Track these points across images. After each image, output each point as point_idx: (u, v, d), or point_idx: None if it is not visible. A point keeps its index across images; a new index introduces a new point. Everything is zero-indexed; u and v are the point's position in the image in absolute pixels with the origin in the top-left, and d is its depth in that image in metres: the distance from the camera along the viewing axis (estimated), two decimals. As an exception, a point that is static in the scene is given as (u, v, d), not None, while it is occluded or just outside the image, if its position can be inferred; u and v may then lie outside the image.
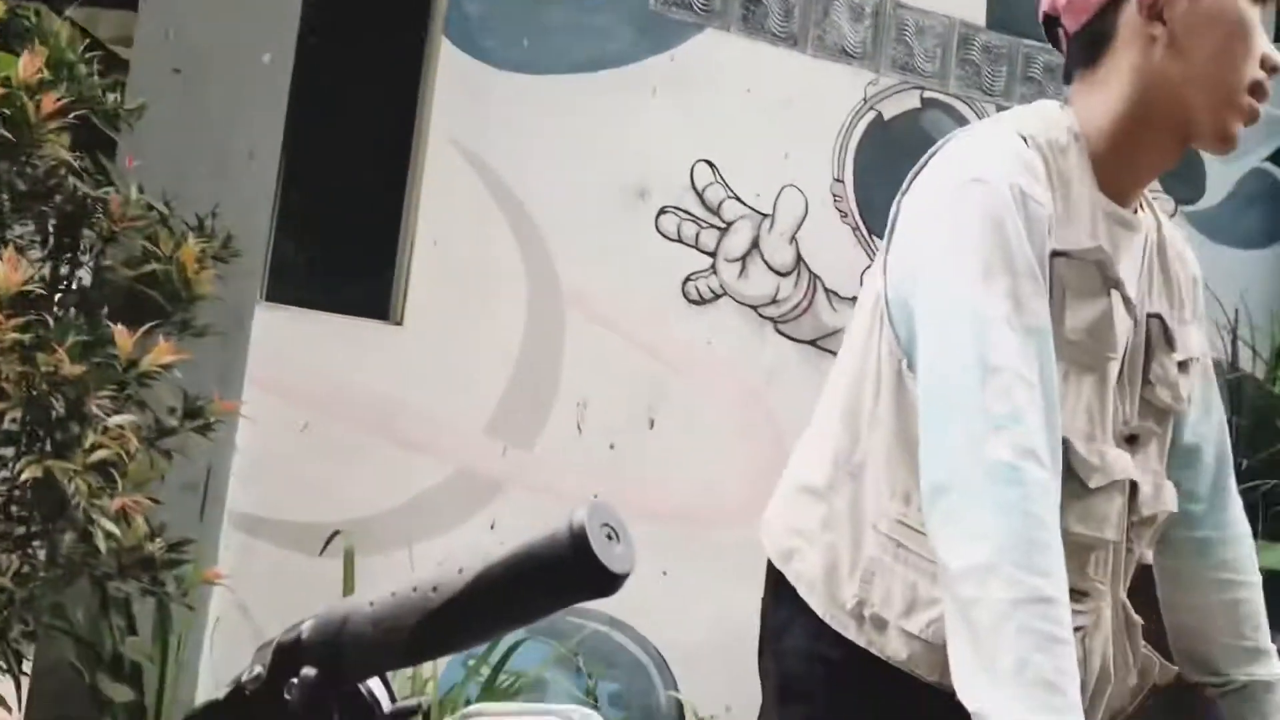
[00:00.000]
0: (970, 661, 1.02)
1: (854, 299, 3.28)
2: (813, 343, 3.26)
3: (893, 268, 1.19)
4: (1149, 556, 1.31)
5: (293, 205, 2.82)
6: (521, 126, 2.97)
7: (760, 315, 3.20)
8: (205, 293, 2.12)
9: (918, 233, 1.18)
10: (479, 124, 2.93)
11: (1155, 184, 3.95)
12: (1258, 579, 1.37)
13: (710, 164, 3.18)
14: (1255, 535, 3.26)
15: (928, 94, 3.45)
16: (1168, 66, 1.19)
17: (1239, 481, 3.49)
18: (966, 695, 1.01)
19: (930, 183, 1.19)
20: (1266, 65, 1.19)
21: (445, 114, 2.90)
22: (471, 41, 2.93)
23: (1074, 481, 1.14)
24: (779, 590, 1.25)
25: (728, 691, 3.02)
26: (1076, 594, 1.11)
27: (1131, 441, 1.21)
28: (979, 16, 3.49)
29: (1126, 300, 1.19)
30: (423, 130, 2.92)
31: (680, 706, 3.00)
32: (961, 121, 3.48)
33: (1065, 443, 1.12)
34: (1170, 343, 1.27)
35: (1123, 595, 1.23)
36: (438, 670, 2.69)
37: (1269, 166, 3.96)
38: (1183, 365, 1.29)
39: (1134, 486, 1.22)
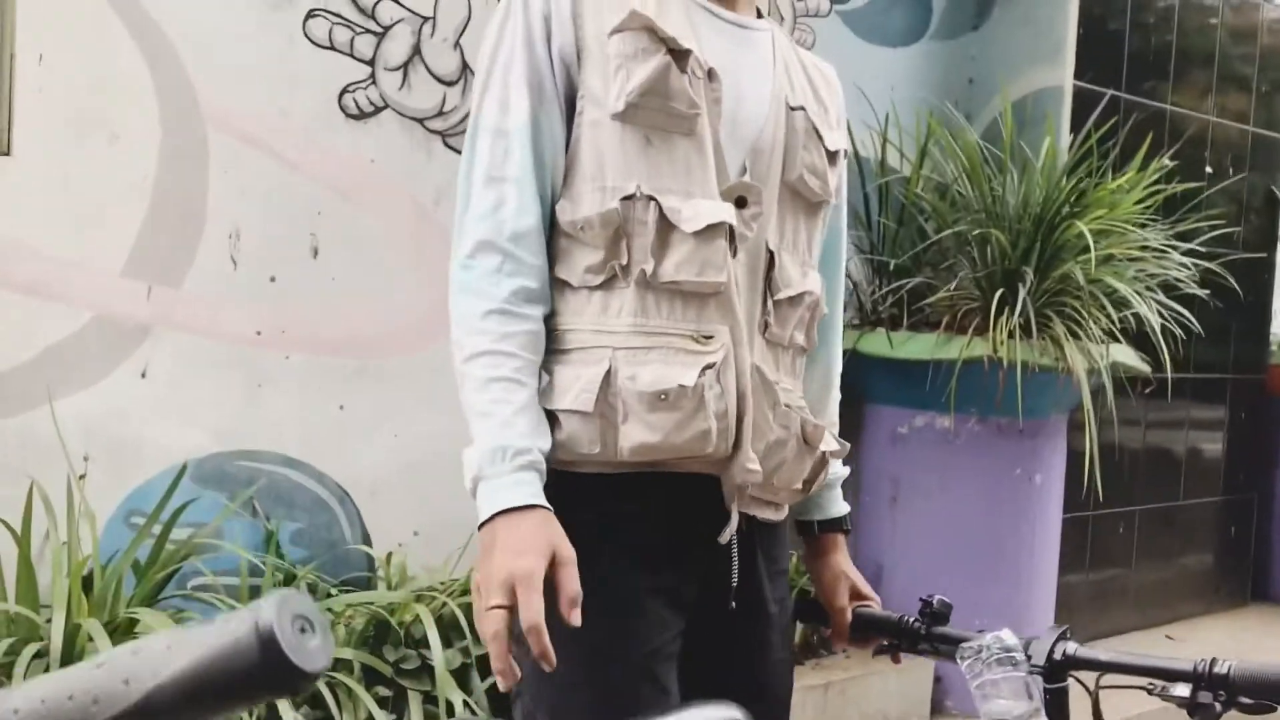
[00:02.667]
0: None
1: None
2: (482, 156, 3.13)
3: None
4: (800, 340, 1.42)
5: None
6: (135, -83, 2.56)
7: (426, 128, 3.02)
8: None
9: None
10: (81, -87, 2.50)
11: (813, -14, 3.95)
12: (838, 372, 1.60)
13: (361, -39, 2.90)
14: (900, 327, 3.53)
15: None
16: None
17: (888, 280, 3.74)
18: None
19: None
20: None
21: (37, -100, 2.45)
22: None
23: (670, 232, 1.27)
24: None
25: (413, 517, 3.00)
26: (703, 336, 1.28)
27: (741, 205, 1.31)
28: None
29: (694, 58, 1.29)
30: (10, -80, 2.46)
31: (366, 535, 2.96)
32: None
33: (655, 199, 1.27)
34: (817, 133, 1.40)
35: (756, 358, 1.33)
36: (96, 533, 2.49)
37: (914, -36, 4.09)
38: (832, 157, 1.43)
39: (771, 259, 1.34)
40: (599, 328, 1.29)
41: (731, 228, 1.29)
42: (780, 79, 1.39)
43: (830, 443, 1.44)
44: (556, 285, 1.32)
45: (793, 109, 1.38)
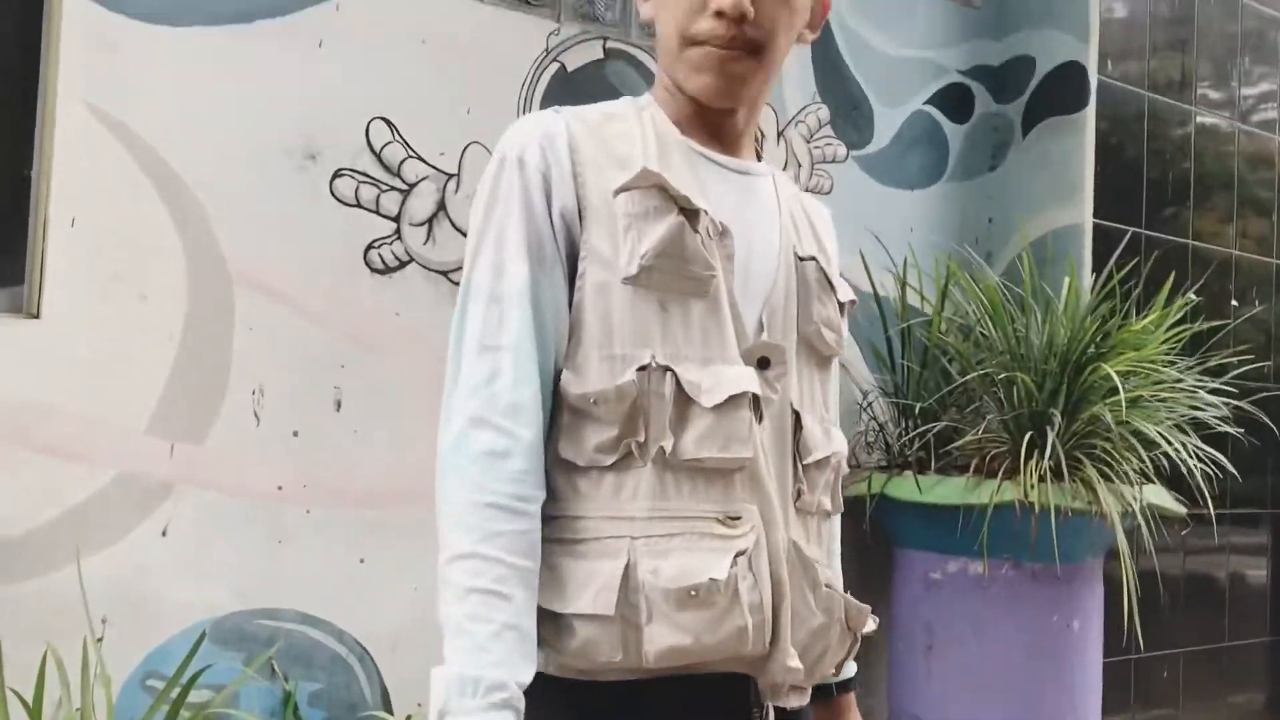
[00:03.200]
0: None
1: (545, 258, 3.21)
2: (505, 306, 3.15)
3: None
4: (827, 504, 1.34)
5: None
6: (168, 86, 2.65)
7: (451, 281, 3.05)
8: None
9: None
10: (117, 84, 2.58)
11: (829, 132, 4.06)
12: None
13: (387, 121, 2.97)
14: (929, 470, 3.47)
15: (611, 44, 3.37)
16: (658, 34, 1.32)
17: (914, 423, 3.70)
18: None
19: None
20: (708, 10, 1.24)
21: (75, 75, 2.54)
22: (101, -11, 2.56)
23: (689, 405, 1.18)
24: None
25: (435, 675, 2.93)
26: (730, 518, 1.17)
27: (764, 366, 1.24)
28: (658, -37, 3.42)
29: (708, 217, 1.23)
30: (49, 94, 2.54)
31: (386, 694, 2.89)
32: (644, 71, 3.43)
33: (671, 370, 1.18)
34: (830, 283, 1.36)
35: (792, 533, 1.24)
36: (112, 698, 2.44)
37: (929, 109, 4.17)
38: (841, 308, 1.38)
39: (797, 420, 1.28)
40: (613, 514, 1.17)
41: (756, 396, 1.21)
42: (787, 227, 1.34)
43: (870, 624, 1.35)
44: (561, 467, 1.21)
45: (802, 259, 1.33)
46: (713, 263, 1.22)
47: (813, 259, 1.33)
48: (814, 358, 1.33)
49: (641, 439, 1.18)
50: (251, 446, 2.73)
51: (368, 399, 2.89)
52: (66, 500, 2.50)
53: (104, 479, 2.55)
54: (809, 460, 1.28)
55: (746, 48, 1.24)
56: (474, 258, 1.22)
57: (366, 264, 2.94)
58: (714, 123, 1.31)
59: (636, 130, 1.27)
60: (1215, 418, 3.39)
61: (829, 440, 1.33)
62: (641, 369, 1.18)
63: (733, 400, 1.19)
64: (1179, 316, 3.46)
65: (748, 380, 1.21)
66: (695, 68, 1.25)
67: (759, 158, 1.41)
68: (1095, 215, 4.08)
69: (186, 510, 2.65)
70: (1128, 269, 3.60)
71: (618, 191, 1.21)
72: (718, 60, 1.24)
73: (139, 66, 2.61)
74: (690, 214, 1.22)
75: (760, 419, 1.23)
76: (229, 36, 2.73)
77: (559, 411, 1.21)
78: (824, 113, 3.85)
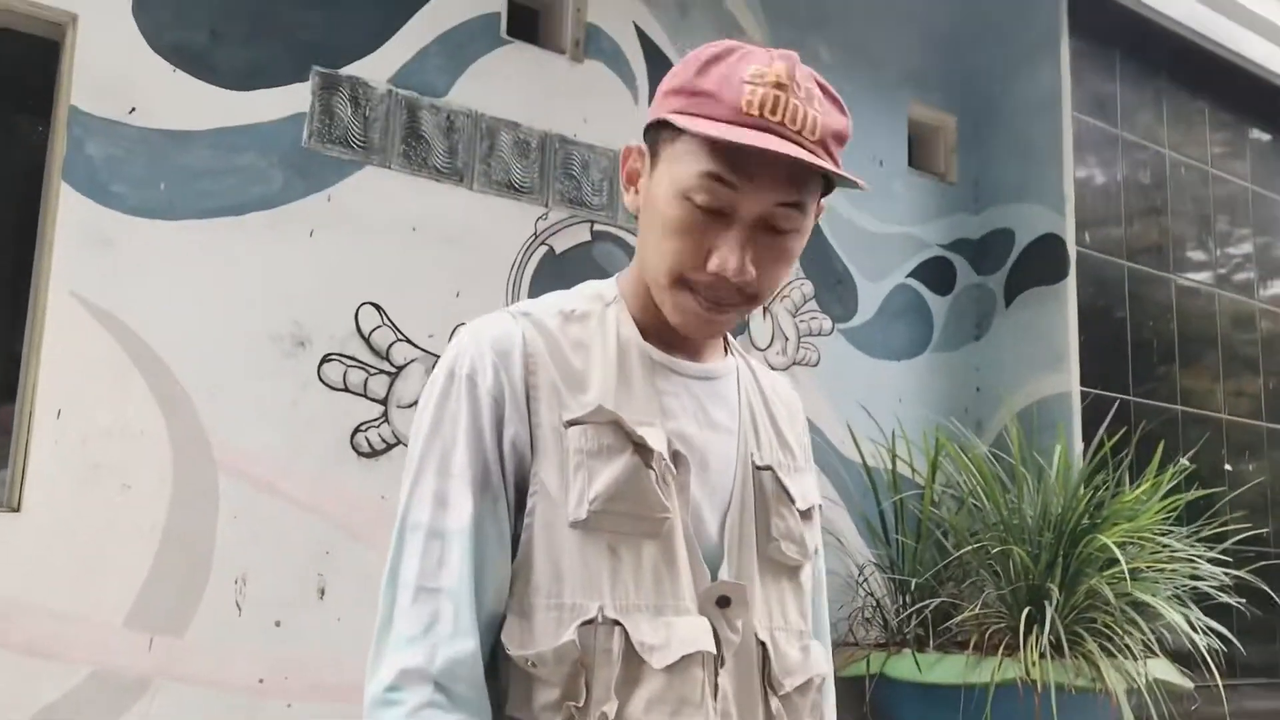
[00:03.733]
0: None
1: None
2: (494, 487, 3.14)
3: None
4: None
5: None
6: (159, 277, 2.69)
7: (437, 462, 3.03)
8: None
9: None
10: (108, 276, 2.62)
11: (814, 306, 4.11)
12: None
13: (376, 306, 3.01)
14: (927, 648, 3.39)
15: (598, 226, 3.44)
16: (640, 234, 1.22)
17: (911, 598, 3.62)
18: None
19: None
20: (708, 265, 1.14)
21: (68, 267, 2.58)
22: (98, 187, 2.63)
23: (639, 665, 1.09)
24: None
25: None
26: None
27: (724, 605, 1.15)
28: (642, 149, 3.53)
29: (662, 457, 1.15)
30: (41, 287, 2.58)
31: None
32: (630, 251, 3.49)
33: (619, 625, 1.09)
34: (787, 494, 1.25)
35: None
36: None
37: (912, 282, 4.24)
38: (805, 514, 1.27)
39: (764, 651, 1.18)
40: None
41: (711, 655, 1.13)
42: (746, 432, 1.25)
43: None
44: None
45: (759, 468, 1.24)
46: (667, 504, 1.14)
47: (768, 469, 1.24)
48: (781, 571, 1.24)
49: (581, 703, 1.08)
50: (233, 637, 2.67)
51: (352, 585, 2.84)
52: (40, 699, 2.43)
53: (79, 676, 2.48)
54: (784, 691, 1.19)
55: (740, 301, 1.16)
56: (414, 484, 1.12)
57: (353, 448, 2.93)
58: (670, 327, 1.22)
59: (598, 337, 1.20)
60: (1215, 587, 3.34)
61: (807, 661, 1.23)
62: (587, 623, 1.09)
63: (685, 660, 1.10)
64: (1172, 484, 3.44)
65: (702, 637, 1.12)
66: (682, 310, 1.17)
67: (726, 349, 1.32)
68: (1082, 384, 4.11)
69: (164, 705, 2.56)
70: (1118, 437, 3.60)
71: (570, 424, 1.13)
72: (707, 314, 1.16)
73: (131, 259, 2.65)
74: (645, 451, 1.14)
75: (722, 663, 1.14)
76: (221, 228, 2.78)
77: (502, 662, 1.12)
78: (808, 288, 3.91)
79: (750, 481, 1.23)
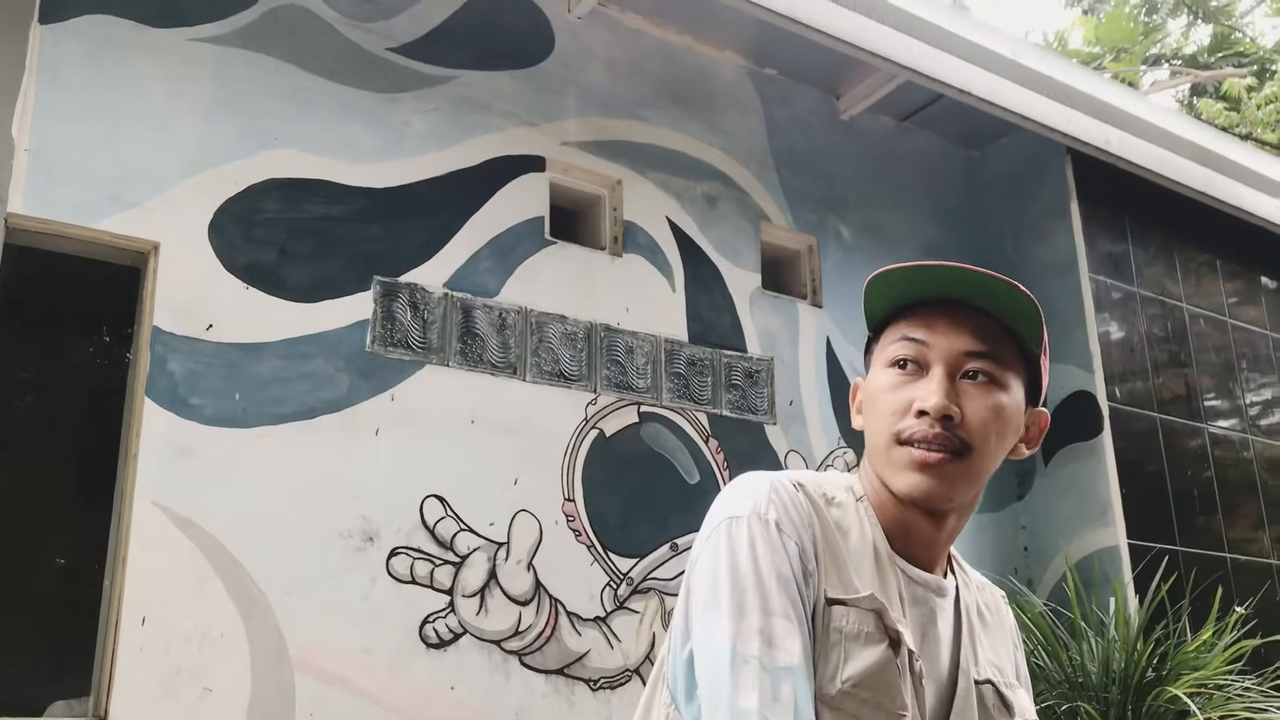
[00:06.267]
0: None
1: (596, 619, 3.25)
2: (559, 671, 3.17)
3: (675, 614, 1.24)
4: None
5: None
6: (236, 483, 2.81)
7: (503, 649, 3.08)
8: None
9: (689, 576, 1.23)
10: (188, 485, 2.74)
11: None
12: None
13: (440, 498, 3.11)
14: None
15: (644, 408, 3.57)
16: (866, 434, 1.30)
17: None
18: None
19: (703, 527, 1.24)
20: (913, 410, 1.23)
21: (150, 478, 2.70)
22: (178, 400, 2.78)
23: None
24: None
25: None
26: None
27: None
28: (681, 334, 3.70)
29: (911, 655, 1.20)
30: (125, 498, 2.70)
31: None
32: (677, 430, 3.61)
33: None
34: (1008, 708, 1.29)
35: None
36: None
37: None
38: None
39: None
40: None
41: None
42: (966, 650, 1.29)
43: None
44: None
45: (979, 683, 1.28)
46: (907, 701, 1.18)
47: (988, 683, 1.29)
48: None
49: None
50: (312, 840, 2.67)
51: (427, 780, 2.85)
52: None
53: None
54: None
55: (952, 447, 1.21)
56: (738, 618, 1.15)
57: (422, 639, 2.98)
58: (922, 531, 1.28)
59: (855, 527, 1.26)
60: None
61: None
62: None
63: None
64: (1234, 633, 3.44)
65: None
66: (902, 466, 1.23)
67: (951, 563, 1.35)
68: (1129, 536, 4.13)
69: None
70: (1169, 585, 3.62)
71: (833, 602, 1.18)
72: (922, 459, 1.22)
73: (209, 466, 2.78)
74: (898, 646, 1.19)
75: None
76: (292, 432, 2.91)
77: None
78: (850, 456, 4.00)
79: (972, 694, 1.27)
